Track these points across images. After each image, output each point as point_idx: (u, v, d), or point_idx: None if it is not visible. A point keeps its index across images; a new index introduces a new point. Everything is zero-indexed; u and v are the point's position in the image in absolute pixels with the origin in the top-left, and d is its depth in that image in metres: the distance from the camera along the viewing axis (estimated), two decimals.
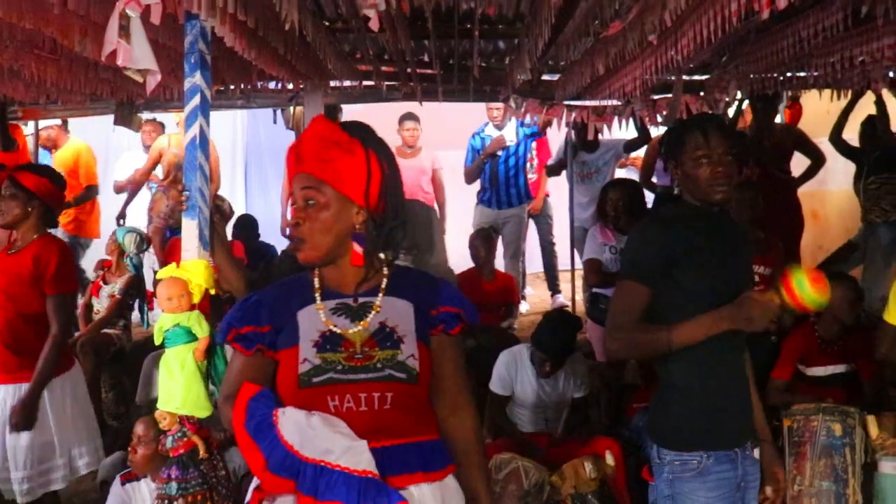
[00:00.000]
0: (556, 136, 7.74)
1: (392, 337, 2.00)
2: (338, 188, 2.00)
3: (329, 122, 2.06)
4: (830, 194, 8.59)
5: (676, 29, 3.60)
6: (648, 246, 2.74)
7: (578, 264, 7.41)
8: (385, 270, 2.10)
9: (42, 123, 7.84)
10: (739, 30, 3.78)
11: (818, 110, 7.16)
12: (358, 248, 2.04)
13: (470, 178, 7.79)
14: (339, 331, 1.99)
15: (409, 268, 2.23)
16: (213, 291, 3.35)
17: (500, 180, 7.60)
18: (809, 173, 6.95)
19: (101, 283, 6.20)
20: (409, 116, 7.85)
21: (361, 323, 2.00)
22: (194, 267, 3.26)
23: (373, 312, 2.02)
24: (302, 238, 2.01)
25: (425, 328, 2.06)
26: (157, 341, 3.35)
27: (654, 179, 7.33)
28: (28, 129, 7.69)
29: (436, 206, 7.64)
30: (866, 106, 6.63)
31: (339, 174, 2.00)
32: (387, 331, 2.00)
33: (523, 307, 8.09)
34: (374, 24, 3.24)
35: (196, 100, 3.19)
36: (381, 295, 2.05)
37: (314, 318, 2.02)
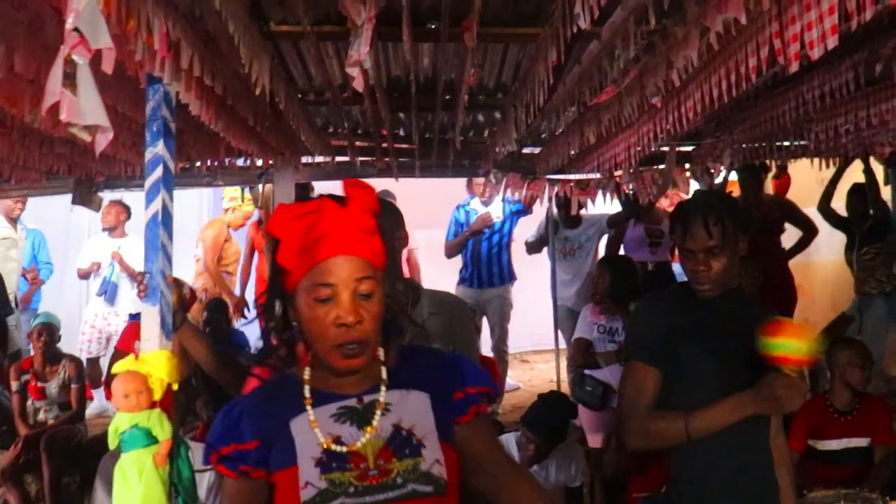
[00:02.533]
0: (538, 212, 7.49)
1: (411, 442, 1.62)
2: (380, 269, 1.65)
3: (370, 189, 1.69)
4: (816, 265, 8.42)
5: (681, 91, 3.37)
6: (648, 323, 2.64)
7: (563, 343, 7.14)
8: (381, 356, 1.71)
9: None
10: (748, 87, 3.56)
11: (806, 180, 7.01)
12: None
13: (450, 253, 7.42)
14: (343, 448, 1.60)
15: (418, 348, 1.86)
16: (175, 386, 3.00)
17: (482, 258, 7.27)
18: (801, 245, 6.76)
19: (36, 383, 5.66)
20: (385, 194, 7.54)
21: (368, 429, 1.62)
22: (155, 359, 2.93)
23: (379, 413, 1.64)
24: (366, 340, 1.61)
25: (448, 421, 1.70)
26: (112, 445, 2.98)
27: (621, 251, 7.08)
28: None
29: None
30: (850, 175, 6.48)
31: (379, 252, 1.65)
32: (403, 434, 1.63)
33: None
34: (358, 85, 2.97)
35: (158, 171, 2.90)
36: (384, 389, 1.67)
37: (311, 432, 1.63)
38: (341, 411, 1.64)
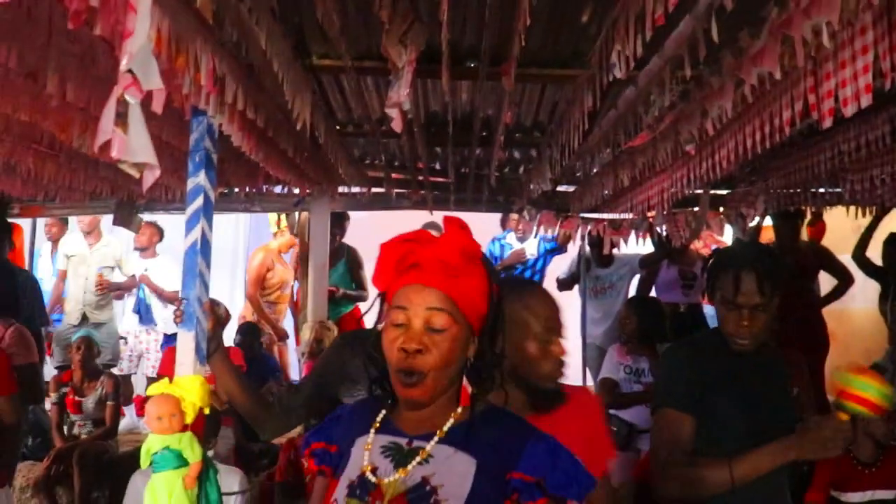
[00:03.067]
0: (570, 249, 7.49)
1: (429, 499, 1.55)
2: (466, 311, 1.62)
3: (466, 229, 1.70)
4: (851, 313, 8.32)
5: (715, 139, 3.40)
6: (678, 371, 2.62)
7: (590, 382, 7.11)
8: (459, 410, 1.65)
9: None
10: (782, 139, 3.59)
11: (842, 227, 6.95)
12: (468, 387, 1.66)
13: None
14: (373, 478, 1.60)
15: (502, 412, 1.73)
16: (206, 410, 3.05)
17: None
18: (836, 293, 6.69)
19: (74, 397, 5.78)
20: (432, 225, 7.46)
21: (400, 471, 1.58)
22: (189, 383, 2.97)
23: (417, 460, 1.59)
24: (423, 372, 1.58)
25: (491, 496, 1.56)
26: (144, 465, 3.03)
27: (653, 293, 7.04)
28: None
29: None
30: (888, 224, 6.43)
31: (468, 294, 1.62)
32: (426, 489, 1.56)
33: None
34: (396, 125, 3.03)
35: (199, 201, 2.95)
36: (435, 440, 1.61)
37: (362, 453, 1.65)
38: (390, 445, 1.64)
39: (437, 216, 6.99)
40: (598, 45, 2.99)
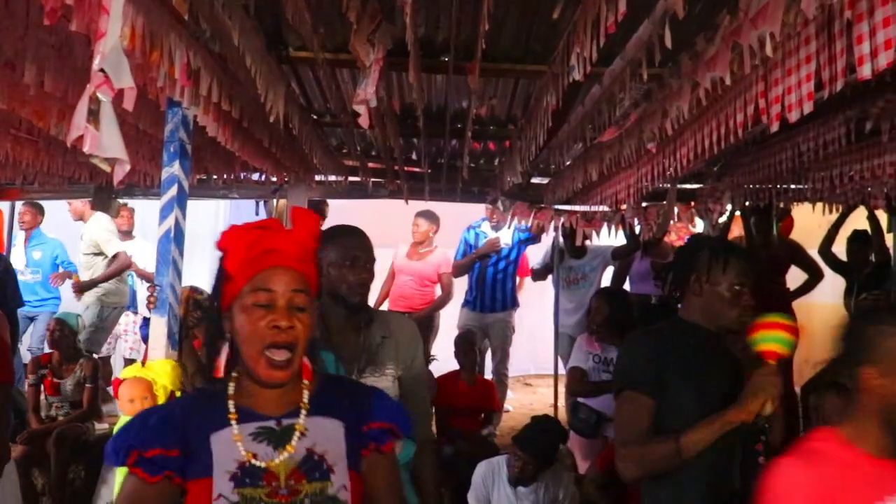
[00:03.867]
0: (545, 240, 7.57)
1: (321, 466, 1.70)
2: (314, 294, 1.76)
3: (316, 217, 1.85)
4: (818, 307, 8.45)
5: (676, 138, 3.50)
6: (640, 355, 2.67)
7: (562, 370, 7.23)
8: (306, 382, 1.78)
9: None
10: (737, 140, 3.70)
11: (808, 222, 7.08)
12: (306, 362, 1.80)
13: (457, 273, 7.41)
14: (261, 463, 1.67)
15: (339, 378, 1.99)
16: (178, 393, 3.15)
17: (487, 283, 7.31)
18: (806, 288, 6.81)
19: (52, 379, 5.80)
20: (422, 214, 7.29)
21: (287, 449, 1.69)
22: (160, 367, 3.07)
23: (296, 436, 1.71)
24: (296, 344, 1.69)
25: (357, 450, 1.76)
26: None
27: (626, 286, 7.15)
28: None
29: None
30: (853, 220, 6.55)
31: (315, 279, 1.78)
32: (315, 459, 1.70)
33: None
34: (363, 122, 3.12)
35: (173, 190, 3.04)
36: (303, 414, 1.74)
37: (231, 446, 1.69)
38: (259, 431, 1.71)
39: (414, 205, 7.06)
40: (561, 46, 3.08)
